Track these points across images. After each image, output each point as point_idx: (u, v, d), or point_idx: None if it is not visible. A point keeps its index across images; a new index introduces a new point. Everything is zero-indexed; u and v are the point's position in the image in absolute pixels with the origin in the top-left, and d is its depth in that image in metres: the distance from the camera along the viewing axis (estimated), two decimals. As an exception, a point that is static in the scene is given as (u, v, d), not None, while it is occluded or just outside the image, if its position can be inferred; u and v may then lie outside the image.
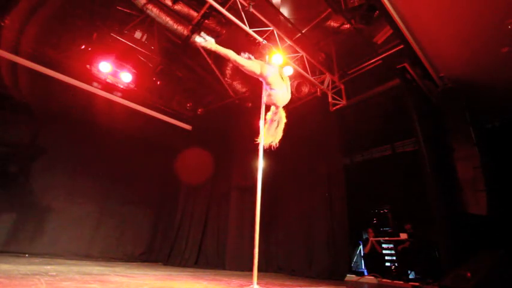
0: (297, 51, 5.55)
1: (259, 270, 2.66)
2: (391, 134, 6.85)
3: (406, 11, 3.63)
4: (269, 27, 4.95)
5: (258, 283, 2.61)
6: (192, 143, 7.56)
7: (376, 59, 5.71)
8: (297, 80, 6.46)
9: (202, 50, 6.00)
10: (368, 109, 6.07)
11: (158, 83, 7.14)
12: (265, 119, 3.17)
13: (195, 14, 5.30)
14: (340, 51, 6.03)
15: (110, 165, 6.70)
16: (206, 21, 5.41)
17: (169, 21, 5.41)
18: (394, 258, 5.65)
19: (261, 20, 4.84)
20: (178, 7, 5.24)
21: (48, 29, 5.55)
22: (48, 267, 3.67)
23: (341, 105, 6.10)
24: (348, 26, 5.24)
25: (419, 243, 5.31)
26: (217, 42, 3.15)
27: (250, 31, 4.77)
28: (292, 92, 6.66)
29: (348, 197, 5.48)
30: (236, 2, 4.58)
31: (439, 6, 3.52)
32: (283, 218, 6.23)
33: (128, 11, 5.76)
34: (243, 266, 5.76)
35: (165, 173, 7.47)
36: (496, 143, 5.18)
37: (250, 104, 7.23)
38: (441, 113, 4.68)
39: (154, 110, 7.38)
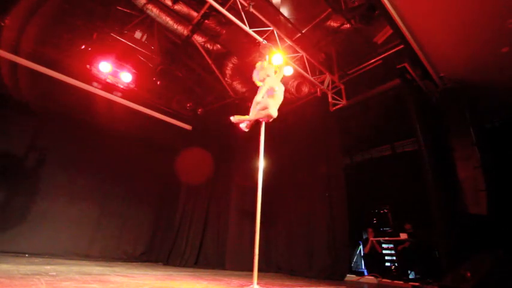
0: (297, 51, 5.55)
1: (259, 270, 2.66)
2: (391, 134, 6.85)
3: (406, 11, 3.63)
4: (269, 27, 4.95)
5: (258, 283, 2.61)
6: (192, 143, 7.56)
7: (376, 59, 5.71)
8: (297, 80, 6.45)
9: (202, 50, 6.00)
10: (368, 109, 6.07)
11: (158, 83, 7.13)
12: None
13: (195, 14, 5.31)
14: (340, 51, 6.03)
15: (110, 165, 6.71)
16: (206, 21, 5.42)
17: (169, 21, 5.42)
18: (394, 258, 5.65)
19: (261, 20, 4.84)
20: (178, 7, 5.25)
21: (48, 29, 5.55)
22: (48, 267, 3.67)
23: (341, 105, 6.11)
24: (348, 26, 5.24)
25: (419, 243, 5.31)
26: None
27: (250, 31, 4.77)
28: (292, 92, 6.70)
29: (348, 197, 5.47)
30: (236, 2, 4.57)
31: (439, 6, 3.51)
32: (283, 218, 6.23)
33: (128, 11, 5.76)
34: (243, 266, 5.75)
35: (165, 173, 7.49)
36: (496, 143, 5.17)
37: (250, 104, 7.22)
38: (441, 113, 4.68)
39: (154, 110, 7.39)
